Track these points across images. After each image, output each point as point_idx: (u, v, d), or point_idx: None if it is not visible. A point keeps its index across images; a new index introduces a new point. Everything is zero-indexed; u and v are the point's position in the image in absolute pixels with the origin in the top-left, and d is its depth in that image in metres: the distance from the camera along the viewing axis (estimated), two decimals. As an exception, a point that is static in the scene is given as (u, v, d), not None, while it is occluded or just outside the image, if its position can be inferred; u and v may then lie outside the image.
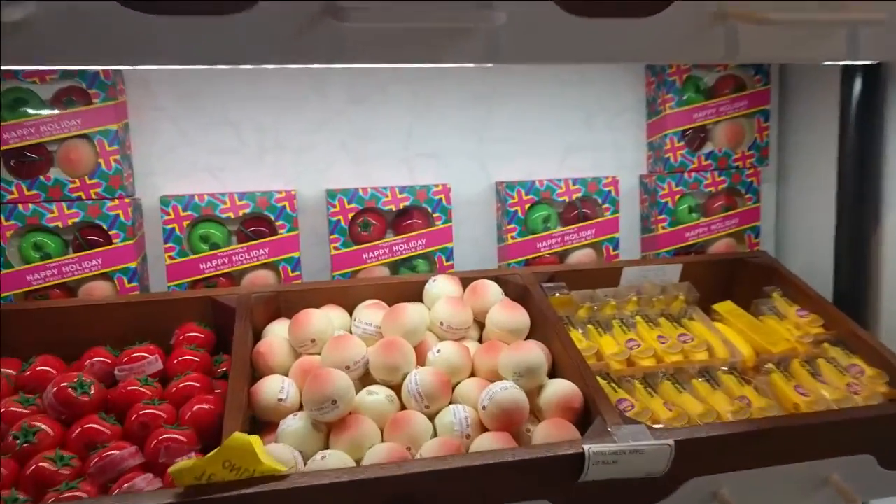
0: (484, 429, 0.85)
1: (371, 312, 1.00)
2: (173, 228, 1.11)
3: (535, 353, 0.89)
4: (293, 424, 0.83)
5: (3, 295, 1.06)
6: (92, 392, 0.87)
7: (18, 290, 1.08)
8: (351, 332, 1.00)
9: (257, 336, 1.03)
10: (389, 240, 1.18)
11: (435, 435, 0.85)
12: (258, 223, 1.15)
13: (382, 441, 0.84)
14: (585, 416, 0.86)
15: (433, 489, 0.74)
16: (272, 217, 1.14)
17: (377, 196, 1.18)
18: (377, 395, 0.88)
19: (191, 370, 0.96)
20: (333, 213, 1.16)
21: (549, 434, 0.82)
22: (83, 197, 1.08)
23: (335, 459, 0.78)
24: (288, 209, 1.14)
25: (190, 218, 1.12)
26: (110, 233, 1.09)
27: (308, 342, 0.95)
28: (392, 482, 0.73)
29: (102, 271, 1.09)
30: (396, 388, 0.91)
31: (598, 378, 0.93)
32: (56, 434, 0.83)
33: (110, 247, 1.09)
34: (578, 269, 1.18)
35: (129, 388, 0.90)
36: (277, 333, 1.01)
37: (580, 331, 1.06)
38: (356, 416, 0.84)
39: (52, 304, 1.03)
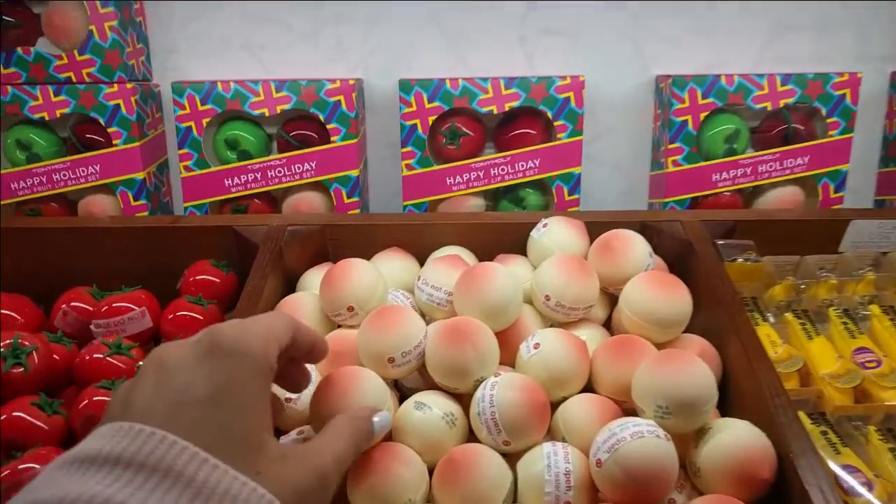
0: (595, 491, 0.53)
1: (443, 270, 0.69)
2: (189, 128, 0.85)
3: (698, 376, 0.55)
4: (293, 449, 0.55)
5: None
6: (32, 363, 0.64)
7: (4, 200, 0.87)
8: (414, 297, 0.71)
9: (291, 288, 0.77)
10: (487, 157, 0.86)
11: (514, 495, 0.54)
12: (303, 125, 0.87)
13: (430, 494, 0.55)
14: (776, 491, 0.52)
15: None
16: (322, 117, 0.85)
17: (472, 91, 0.84)
18: (430, 412, 0.58)
19: (189, 333, 0.71)
20: (407, 114, 0.85)
21: (713, 529, 0.49)
22: (73, 79, 0.84)
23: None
24: (344, 106, 0.84)
25: (211, 113, 0.85)
26: (109, 130, 0.85)
27: (343, 310, 0.67)
28: None
29: (101, 182, 0.86)
30: (465, 401, 0.61)
31: (804, 417, 0.58)
32: (-25, 421, 0.61)
33: (110, 149, 0.85)
34: (776, 219, 0.80)
35: (93, 356, 0.67)
36: (313, 288, 0.74)
37: (772, 323, 0.70)
38: (389, 449, 0.55)
39: (19, 224, 0.81)
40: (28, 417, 0.60)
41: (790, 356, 0.64)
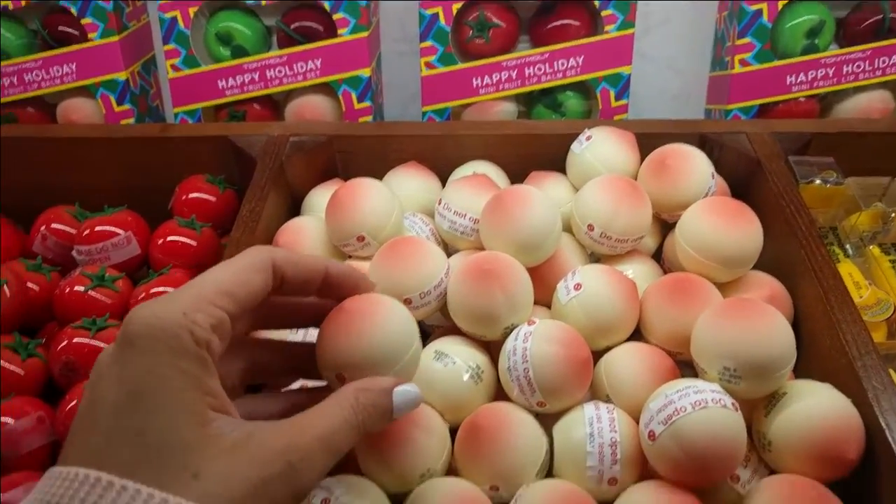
0: (645, 464, 0.46)
1: (468, 193, 0.60)
2: (174, 19, 0.74)
3: (775, 333, 0.46)
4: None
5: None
6: (4, 298, 0.57)
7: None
8: (434, 223, 0.62)
9: (296, 209, 0.69)
10: (521, 54, 0.75)
11: (549, 465, 0.47)
12: (307, 15, 0.75)
13: (451, 467, 0.48)
14: (861, 474, 0.45)
15: None
16: (327, 5, 0.73)
17: (504, -25, 0.72)
18: (452, 365, 0.51)
19: (180, 261, 0.64)
20: (427, 2, 0.72)
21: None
22: (33, -41, 0.72)
23: (354, 495, 0.43)
24: (353, -7, 0.72)
25: (198, 2, 0.73)
26: (82, 22, 0.74)
27: (352, 240, 0.59)
28: None
29: (79, 83, 0.76)
30: (494, 348, 0.53)
31: (896, 379, 0.49)
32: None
33: (86, 45, 0.75)
34: (862, 131, 0.68)
35: (73, 289, 0.60)
36: (319, 211, 0.65)
37: (854, 258, 0.60)
38: (406, 410, 0.47)
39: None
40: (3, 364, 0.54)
41: (878, 301, 0.55)
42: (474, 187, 0.60)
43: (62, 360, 0.54)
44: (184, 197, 0.70)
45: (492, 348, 0.53)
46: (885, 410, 0.45)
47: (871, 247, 0.61)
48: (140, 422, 0.28)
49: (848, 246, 0.62)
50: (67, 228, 0.68)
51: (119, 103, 0.77)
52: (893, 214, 0.62)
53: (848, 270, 0.58)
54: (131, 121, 0.78)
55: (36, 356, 0.56)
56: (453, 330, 0.55)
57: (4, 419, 0.50)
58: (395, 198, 0.60)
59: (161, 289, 0.60)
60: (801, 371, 0.51)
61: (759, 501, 0.43)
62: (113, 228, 0.65)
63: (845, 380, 0.48)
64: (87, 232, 0.66)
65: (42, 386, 0.56)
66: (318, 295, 0.39)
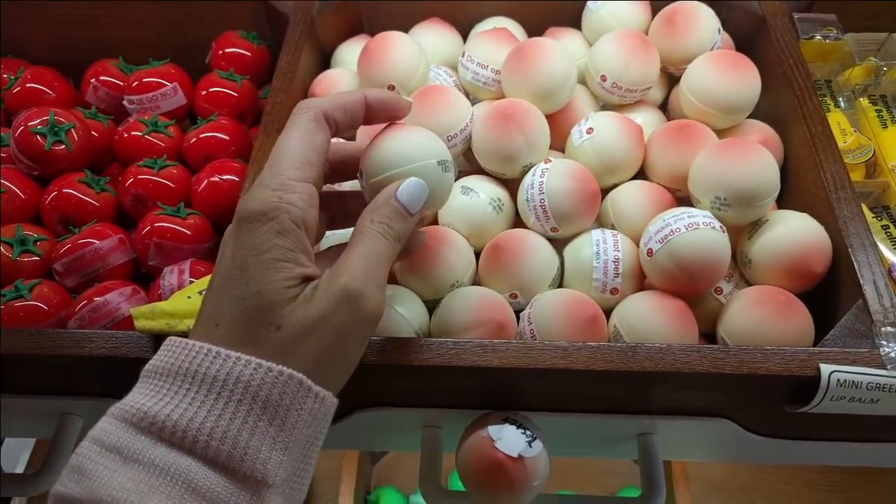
0: (642, 279, 0.54)
1: (490, 46, 0.65)
2: None
3: (760, 166, 0.52)
4: (339, 232, 0.56)
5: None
6: (72, 141, 0.63)
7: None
8: (457, 75, 0.67)
9: (326, 63, 0.74)
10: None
11: (560, 278, 0.55)
12: None
13: (477, 277, 0.56)
14: (828, 286, 0.52)
15: (536, 391, 0.48)
16: None
17: None
18: (476, 197, 0.58)
19: (224, 109, 0.70)
20: None
21: (759, 321, 0.50)
22: None
23: (397, 301, 0.52)
24: None
25: None
26: None
27: (383, 89, 0.64)
28: (468, 374, 0.47)
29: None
30: (512, 185, 0.60)
31: (867, 211, 0.56)
32: (27, 197, 0.62)
33: None
34: (864, -10, 0.71)
35: (131, 133, 0.66)
36: (349, 64, 0.70)
37: (844, 109, 0.66)
38: (436, 233, 0.55)
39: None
40: (78, 194, 0.61)
41: (860, 146, 0.61)
42: (496, 40, 0.64)
43: (132, 192, 0.61)
44: (220, 52, 0.75)
45: (511, 186, 0.60)
46: (852, 234, 0.52)
47: (861, 99, 0.66)
48: (241, 288, 0.34)
49: (840, 98, 0.67)
50: (116, 80, 0.73)
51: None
52: (885, 68, 0.66)
53: (836, 119, 0.63)
54: (164, -22, 0.81)
55: (107, 191, 0.63)
56: (478, 171, 0.61)
57: (92, 240, 0.57)
58: (422, 50, 0.65)
59: (211, 134, 0.66)
60: (786, 205, 0.58)
61: (736, 304, 0.51)
62: (160, 80, 0.70)
63: (822, 210, 0.54)
64: (136, 83, 0.71)
65: (114, 216, 0.63)
66: (364, 124, 0.43)
